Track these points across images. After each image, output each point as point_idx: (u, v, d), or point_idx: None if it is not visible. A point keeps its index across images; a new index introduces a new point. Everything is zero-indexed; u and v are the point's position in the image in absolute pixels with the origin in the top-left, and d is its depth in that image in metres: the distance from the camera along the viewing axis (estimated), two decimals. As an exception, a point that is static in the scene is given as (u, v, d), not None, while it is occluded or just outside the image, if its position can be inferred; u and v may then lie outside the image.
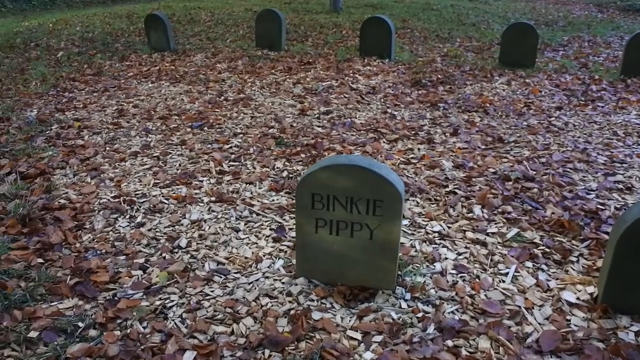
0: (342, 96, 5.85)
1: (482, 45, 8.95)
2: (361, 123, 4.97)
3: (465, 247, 2.92)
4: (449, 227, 3.12)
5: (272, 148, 4.40)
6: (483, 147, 4.35)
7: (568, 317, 2.39)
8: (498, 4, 16.80)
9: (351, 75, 6.80)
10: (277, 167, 4.00)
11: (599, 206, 3.35)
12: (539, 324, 2.36)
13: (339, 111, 5.34)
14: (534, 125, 4.85)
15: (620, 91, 6.01)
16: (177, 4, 15.43)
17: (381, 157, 4.15)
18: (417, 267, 2.76)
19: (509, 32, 7.22)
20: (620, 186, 3.66)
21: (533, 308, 2.45)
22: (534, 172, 3.83)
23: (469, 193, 3.51)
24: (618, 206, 3.37)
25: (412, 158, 4.12)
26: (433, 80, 6.43)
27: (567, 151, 4.26)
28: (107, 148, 4.48)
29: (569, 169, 3.92)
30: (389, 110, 5.33)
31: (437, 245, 2.94)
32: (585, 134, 4.67)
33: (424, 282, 2.63)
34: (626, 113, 5.25)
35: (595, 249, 2.88)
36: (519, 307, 2.46)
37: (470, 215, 3.25)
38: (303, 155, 4.21)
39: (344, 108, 5.46)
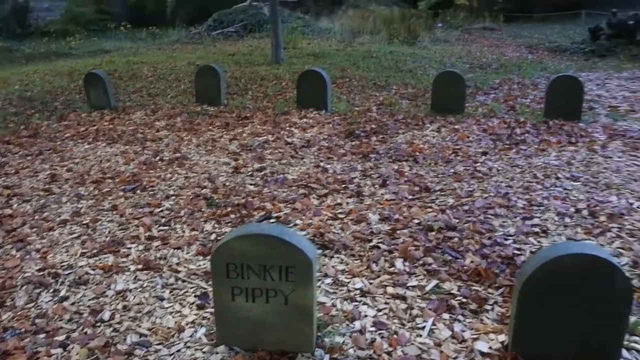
0: (276, 151, 5.95)
1: (417, 92, 9.25)
2: (293, 179, 5.06)
3: (385, 303, 2.99)
4: (370, 283, 3.19)
5: (203, 210, 4.42)
6: (410, 197, 4.48)
7: (479, 369, 2.46)
8: (436, 49, 17.42)
9: (287, 128, 6.93)
10: (206, 230, 4.02)
11: (515, 251, 3.48)
12: (452, 377, 2.42)
13: (273, 167, 5.42)
14: (460, 172, 5.02)
15: (542, 133, 6.30)
16: (120, 59, 15.46)
17: (310, 213, 4.22)
18: (337, 326, 2.81)
19: (439, 80, 7.51)
20: (537, 229, 3.82)
21: (450, 362, 2.52)
22: (457, 221, 3.96)
23: (392, 246, 3.60)
24: (533, 250, 3.51)
25: (339, 213, 4.21)
26: (367, 130, 6.61)
27: (489, 197, 4.43)
28: (36, 217, 4.43)
29: (490, 215, 4.07)
30: (322, 164, 5.44)
31: (357, 303, 3.00)
32: (507, 178, 4.86)
33: (343, 341, 2.68)
34: (546, 155, 5.50)
35: (509, 296, 2.99)
36: (434, 361, 2.52)
37: (392, 269, 3.33)
38: (233, 216, 4.25)
39: (278, 163, 5.54)
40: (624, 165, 5.20)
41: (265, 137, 6.60)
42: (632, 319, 2.80)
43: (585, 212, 4.07)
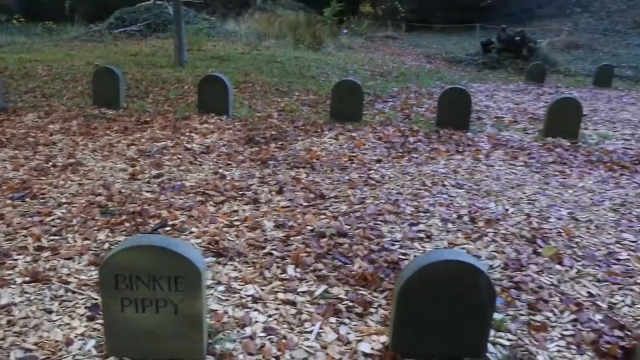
0: (175, 157, 5.93)
1: (318, 99, 9.47)
2: (191, 185, 5.07)
3: (276, 309, 3.10)
4: (262, 290, 3.29)
5: (96, 218, 4.35)
6: (305, 204, 4.62)
7: (361, 369, 2.63)
8: (340, 55, 17.82)
9: (187, 134, 6.91)
10: (100, 239, 3.98)
11: (400, 256, 3.71)
12: (335, 377, 2.57)
13: (171, 174, 5.41)
14: (355, 179, 5.24)
15: (433, 142, 6.67)
16: (11, 55, 14.65)
17: (206, 220, 4.27)
18: (228, 333, 2.89)
19: (338, 88, 7.74)
20: (422, 235, 4.07)
21: (330, 363, 2.67)
22: (348, 227, 4.14)
23: (285, 253, 3.72)
24: (418, 254, 3.75)
25: (235, 220, 4.29)
26: (266, 136, 6.71)
27: (380, 204, 4.65)
28: None
29: (379, 222, 4.28)
30: (220, 170, 5.49)
31: (249, 309, 3.10)
32: (398, 185, 5.13)
33: (234, 348, 2.76)
34: (435, 163, 5.83)
35: (392, 299, 3.19)
36: (319, 363, 2.66)
37: (283, 275, 3.45)
38: (127, 225, 4.22)
39: (176, 170, 5.53)
40: (503, 173, 5.62)
41: (164, 142, 6.55)
42: (499, 316, 3.08)
43: (466, 218, 4.38)
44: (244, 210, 4.53)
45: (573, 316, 3.16)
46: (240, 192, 4.91)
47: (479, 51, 17.78)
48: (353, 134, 6.98)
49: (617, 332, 3.01)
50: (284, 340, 2.84)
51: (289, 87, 10.66)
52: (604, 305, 3.29)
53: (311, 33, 19.57)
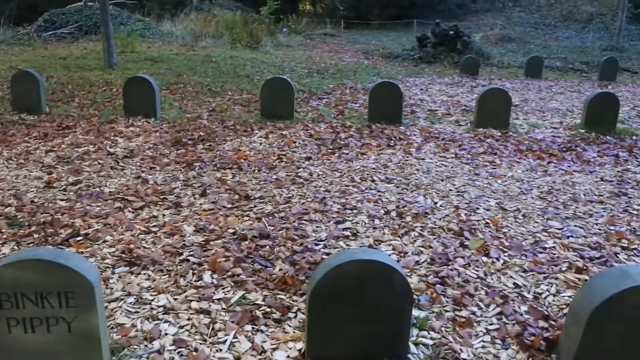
0: (96, 162, 5.63)
1: (251, 98, 9.27)
2: (110, 192, 4.81)
3: (188, 319, 2.91)
4: (175, 299, 3.09)
5: (3, 230, 4.04)
6: (229, 206, 4.44)
7: (275, 379, 2.46)
8: (278, 54, 17.63)
9: (112, 138, 6.60)
10: (3, 253, 3.68)
11: (324, 256, 3.56)
12: (248, 390, 2.40)
13: (90, 180, 5.12)
14: (282, 179, 5.08)
15: (365, 137, 6.57)
16: None
17: (122, 228, 4.02)
18: (134, 349, 2.68)
19: (268, 87, 7.56)
20: (347, 233, 3.94)
21: (244, 375, 2.49)
22: (272, 228, 3.97)
23: (202, 259, 3.53)
24: (342, 254, 3.61)
25: (153, 226, 4.06)
26: (194, 138, 6.48)
27: (306, 202, 4.51)
28: None
29: (304, 221, 4.13)
30: (143, 175, 5.23)
31: (159, 321, 2.89)
32: (327, 182, 4.99)
33: (139, 364, 2.55)
34: (366, 158, 5.73)
35: (312, 302, 3.04)
36: (231, 376, 2.49)
37: (199, 283, 3.26)
38: (36, 236, 3.93)
39: (96, 176, 5.25)
40: (434, 166, 5.57)
41: (86, 147, 6.23)
42: (423, 314, 2.97)
43: (393, 214, 4.28)
44: (164, 215, 4.31)
45: (498, 309, 3.09)
46: (162, 197, 4.68)
47: (415, 46, 17.92)
48: (284, 132, 6.83)
49: (541, 323, 2.95)
50: (194, 353, 2.65)
51: (222, 87, 10.41)
52: (530, 296, 3.24)
53: (248, 32, 19.32)
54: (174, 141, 6.40)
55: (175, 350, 2.68)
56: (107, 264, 3.50)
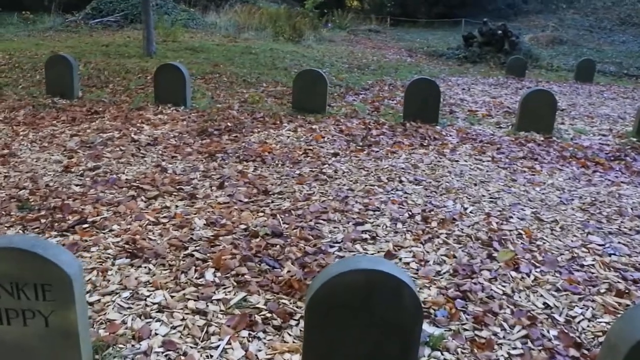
0: (118, 149, 5.49)
1: (285, 91, 9.05)
2: (127, 179, 4.64)
3: (182, 319, 2.69)
4: (172, 297, 2.87)
5: (12, 213, 3.92)
6: (245, 200, 4.22)
7: (265, 395, 2.22)
8: (319, 48, 17.39)
9: (138, 125, 6.47)
10: (5, 237, 3.53)
11: (337, 260, 3.29)
12: (235, 405, 2.16)
13: (109, 166, 4.98)
14: (305, 174, 4.83)
15: (397, 135, 6.27)
16: (-30, 44, 14.12)
17: (131, 217, 3.84)
18: (120, 347, 2.47)
19: (300, 79, 7.32)
20: (366, 236, 3.67)
21: (232, 387, 2.26)
22: (286, 226, 3.74)
23: (208, 255, 3.31)
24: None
25: (163, 217, 3.87)
26: (221, 128, 6.29)
27: (327, 200, 4.25)
28: None
29: (322, 220, 3.88)
30: (163, 164, 5.06)
31: (151, 320, 2.68)
32: (351, 180, 4.72)
33: (122, 367, 2.34)
34: (396, 157, 5.44)
35: (317, 310, 2.77)
36: (219, 387, 2.26)
37: (200, 280, 3.04)
38: (43, 221, 3.79)
39: (116, 163, 5.10)
40: (467, 169, 5.23)
41: (111, 133, 6.10)
42: (438, 331, 2.68)
43: (418, 218, 3.99)
44: (176, 206, 4.11)
45: (524, 332, 2.77)
46: (178, 187, 4.49)
47: (461, 45, 17.41)
48: (313, 126, 6.57)
49: (572, 352, 2.62)
50: (183, 357, 2.42)
51: (257, 78, 10.23)
52: (561, 319, 2.90)
53: (291, 25, 19.13)
54: (200, 131, 6.22)
55: (163, 352, 2.46)
56: (108, 254, 3.32)
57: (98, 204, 4.11)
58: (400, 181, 4.76)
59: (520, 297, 3.08)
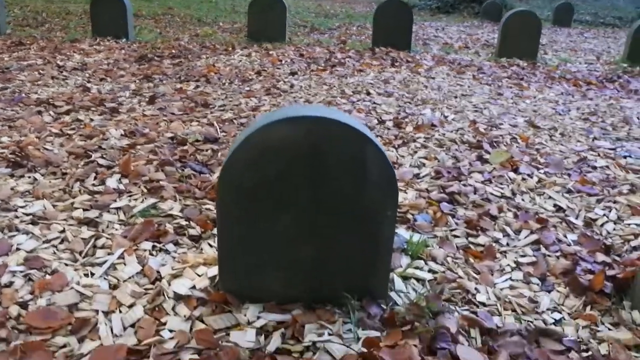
0: (36, 72, 4.61)
1: (242, 27, 8.18)
2: (38, 98, 3.80)
3: (61, 231, 1.91)
4: (54, 207, 2.08)
5: None
6: (179, 113, 3.42)
7: (164, 320, 1.46)
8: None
9: (68, 54, 5.57)
10: None
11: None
12: (117, 335, 1.40)
13: (20, 87, 4.11)
14: (255, 90, 4.04)
15: (365, 58, 5.49)
16: None
17: (29, 130, 3.02)
18: (-39, 268, 1.67)
19: (256, 4, 6.47)
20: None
21: (116, 311, 1.49)
22: (224, 134, 2.95)
23: (116, 162, 2.51)
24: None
25: (71, 129, 3.05)
26: (163, 55, 5.44)
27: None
28: None
29: (271, 129, 3.08)
30: (88, 85, 4.22)
31: (16, 233, 1.89)
32: (309, 94, 3.96)
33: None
34: (364, 75, 4.68)
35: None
36: (97, 311, 1.48)
37: (97, 188, 2.25)
38: None
39: (30, 85, 4.25)
40: (446, 85, 4.51)
41: (33, 61, 5.20)
42: (417, 237, 1.95)
43: (389, 124, 3.26)
44: (91, 120, 3.29)
45: (534, 237, 2.06)
46: (99, 103, 3.66)
47: (434, -4, 16.55)
48: (271, 52, 5.76)
49: (601, 257, 1.92)
50: (47, 277, 1.64)
51: (214, 19, 9.32)
52: (579, 222, 2.20)
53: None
54: (139, 57, 5.36)
55: (21, 272, 1.67)
56: (-18, 165, 2.50)
57: (-9, 120, 3.27)
58: (368, 93, 4.01)
59: (524, 199, 2.37)
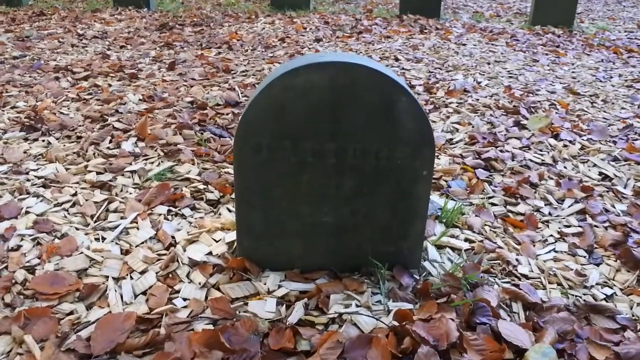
0: (56, 41, 4.52)
1: (268, -3, 7.98)
2: (57, 65, 3.70)
3: (73, 194, 1.80)
4: (67, 170, 1.97)
5: None
6: (199, 78, 3.29)
7: (178, 287, 1.34)
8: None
9: (88, 23, 5.47)
10: None
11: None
12: (127, 303, 1.29)
13: (39, 55, 4.02)
14: (279, 56, 3.89)
15: (392, 25, 5.29)
16: None
17: (46, 95, 2.92)
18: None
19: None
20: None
21: (126, 277, 1.38)
22: (246, 98, 2.82)
23: (126, 126, 2.40)
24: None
25: (88, 95, 2.94)
26: (185, 23, 5.30)
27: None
28: None
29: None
30: (108, 52, 4.11)
31: (27, 196, 1.79)
32: (335, 61, 3.77)
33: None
34: (391, 41, 4.49)
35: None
36: (107, 277, 1.38)
37: (112, 151, 2.14)
38: None
39: (50, 52, 4.16)
40: (479, 51, 4.29)
41: (53, 30, 5.11)
42: (452, 204, 1.80)
43: (420, 89, 3.08)
44: (110, 85, 3.18)
45: (579, 206, 1.89)
46: (118, 70, 3.55)
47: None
48: (295, 20, 5.58)
49: (654, 228, 1.74)
50: (56, 241, 1.54)
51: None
52: (628, 192, 2.02)
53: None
54: (160, 25, 5.23)
55: (30, 236, 1.57)
56: (-3, 129, 2.41)
57: (9, 85, 3.18)
58: (396, 59, 3.83)
59: (566, 166, 2.20)
